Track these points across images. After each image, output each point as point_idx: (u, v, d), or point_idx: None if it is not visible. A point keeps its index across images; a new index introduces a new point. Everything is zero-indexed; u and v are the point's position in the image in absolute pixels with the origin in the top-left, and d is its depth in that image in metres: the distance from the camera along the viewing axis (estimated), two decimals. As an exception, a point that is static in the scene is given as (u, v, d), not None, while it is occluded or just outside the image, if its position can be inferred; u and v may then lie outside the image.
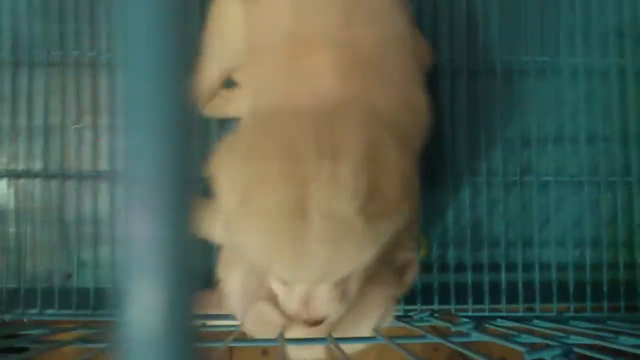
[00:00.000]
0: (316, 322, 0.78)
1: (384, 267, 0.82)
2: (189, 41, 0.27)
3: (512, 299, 1.11)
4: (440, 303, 1.10)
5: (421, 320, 0.97)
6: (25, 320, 1.05)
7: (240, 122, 1.02)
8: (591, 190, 1.17)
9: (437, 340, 0.75)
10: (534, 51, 1.18)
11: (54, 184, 1.12)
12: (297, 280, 0.77)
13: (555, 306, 1.11)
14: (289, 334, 0.78)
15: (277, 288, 0.79)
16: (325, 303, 0.77)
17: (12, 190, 1.11)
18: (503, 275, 1.12)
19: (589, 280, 1.13)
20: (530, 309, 1.11)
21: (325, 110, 0.81)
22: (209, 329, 0.91)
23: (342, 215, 0.71)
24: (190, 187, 0.27)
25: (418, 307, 1.09)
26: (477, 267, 1.12)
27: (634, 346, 0.71)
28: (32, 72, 1.12)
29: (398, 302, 0.91)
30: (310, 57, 0.86)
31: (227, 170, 0.79)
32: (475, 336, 0.78)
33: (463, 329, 0.85)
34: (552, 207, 1.15)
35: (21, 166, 1.11)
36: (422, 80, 0.92)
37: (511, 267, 1.13)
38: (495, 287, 1.11)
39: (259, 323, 0.80)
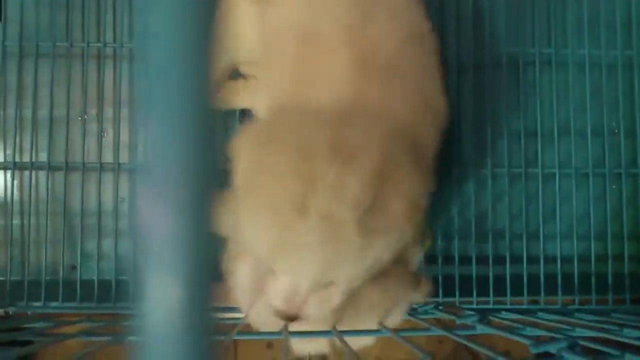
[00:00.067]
0: (293, 318, 0.78)
1: (399, 266, 0.82)
2: (212, 33, 0.27)
3: (517, 291, 1.11)
4: (445, 295, 1.09)
5: (425, 312, 0.97)
6: (29, 313, 1.05)
7: (254, 115, 1.02)
8: (597, 183, 1.16)
9: (441, 333, 0.75)
10: (540, 43, 1.18)
11: (58, 175, 1.12)
12: (286, 273, 0.77)
13: (560, 299, 1.11)
14: (293, 327, 0.77)
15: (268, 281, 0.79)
16: (306, 303, 0.77)
17: (16, 182, 1.11)
18: (507, 268, 1.12)
19: (594, 273, 1.12)
20: (535, 302, 1.11)
21: (342, 113, 0.80)
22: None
23: (339, 220, 0.71)
24: (209, 181, 0.26)
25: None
26: (482, 260, 1.12)
27: (639, 339, 0.71)
28: (37, 63, 1.12)
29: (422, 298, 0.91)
30: (325, 57, 0.85)
31: (238, 158, 0.79)
32: (480, 329, 0.78)
33: (468, 321, 0.85)
34: (557, 200, 1.15)
35: (26, 158, 1.11)
36: (441, 77, 0.91)
37: (516, 259, 1.13)
38: (499, 279, 1.11)
39: (264, 316, 0.80)
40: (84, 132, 1.11)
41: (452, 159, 1.13)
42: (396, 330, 0.77)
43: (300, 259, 0.73)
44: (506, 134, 1.15)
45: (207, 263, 0.26)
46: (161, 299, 0.26)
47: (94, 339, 0.76)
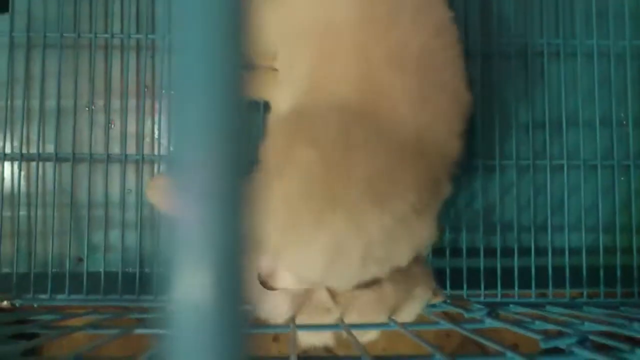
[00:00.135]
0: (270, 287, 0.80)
1: (417, 266, 0.82)
2: (244, 21, 0.26)
3: (525, 284, 1.10)
4: (452, 288, 1.09)
5: (433, 306, 0.96)
6: (35, 305, 1.05)
7: (272, 107, 1.02)
8: (605, 174, 1.16)
9: (450, 327, 0.75)
10: (549, 33, 1.17)
11: (65, 167, 1.11)
12: (289, 271, 0.78)
13: (568, 291, 1.10)
14: (299, 320, 0.78)
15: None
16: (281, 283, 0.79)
17: (23, 173, 1.11)
18: (515, 260, 1.11)
19: (603, 265, 1.12)
20: (543, 295, 1.11)
21: (367, 114, 0.80)
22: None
23: (348, 244, 0.72)
24: (240, 171, 0.26)
25: (430, 292, 1.09)
26: (490, 252, 1.11)
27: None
28: (45, 54, 1.11)
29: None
30: (350, 52, 0.84)
31: (269, 148, 0.79)
32: (489, 323, 0.78)
33: (477, 315, 0.85)
34: (565, 192, 1.14)
35: (33, 149, 1.11)
36: (463, 68, 0.90)
37: (524, 252, 1.12)
38: (507, 272, 1.10)
39: (272, 309, 0.81)
40: (91, 123, 1.11)
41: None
42: (404, 324, 0.77)
43: (302, 263, 0.74)
44: (514, 125, 1.15)
45: (238, 253, 0.26)
46: (191, 290, 0.25)
47: (100, 331, 0.76)
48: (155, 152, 1.12)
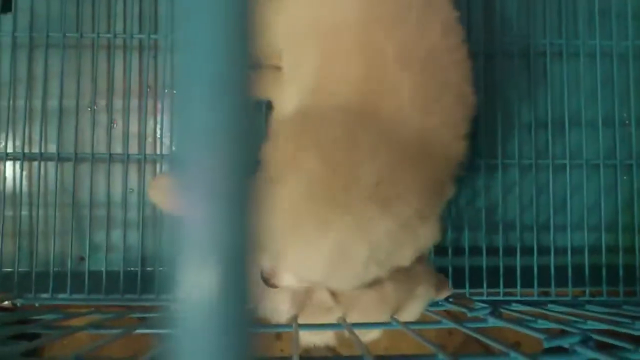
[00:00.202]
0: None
1: (419, 264, 0.82)
2: (251, 21, 0.26)
3: (527, 282, 1.10)
4: (455, 287, 1.08)
5: (436, 304, 0.96)
6: (37, 304, 1.05)
7: (275, 107, 1.02)
8: (608, 174, 1.15)
9: (452, 325, 0.74)
10: (551, 33, 1.17)
11: (67, 166, 1.11)
12: (290, 272, 0.78)
13: (570, 290, 1.10)
14: (300, 319, 0.78)
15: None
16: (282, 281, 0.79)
17: (25, 172, 1.11)
18: (518, 259, 1.11)
19: (605, 264, 1.12)
20: (546, 293, 1.10)
21: (372, 116, 0.80)
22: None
23: (352, 249, 0.72)
24: (246, 170, 0.26)
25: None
26: (492, 251, 1.11)
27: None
28: (47, 54, 1.11)
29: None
30: (356, 53, 0.84)
31: (274, 148, 0.79)
32: (492, 322, 0.78)
33: (479, 314, 0.85)
34: (568, 191, 1.14)
35: (35, 149, 1.11)
36: (469, 69, 0.89)
37: (526, 251, 1.12)
38: (510, 270, 1.10)
39: (274, 308, 0.81)
40: (93, 123, 1.11)
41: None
42: (406, 323, 0.77)
43: (304, 264, 0.74)
44: (517, 124, 1.14)
45: (243, 252, 0.26)
46: (196, 289, 0.25)
47: (102, 331, 0.75)
48: (158, 152, 1.12)
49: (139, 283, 1.07)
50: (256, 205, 0.26)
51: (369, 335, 0.83)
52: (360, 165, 0.74)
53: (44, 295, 1.06)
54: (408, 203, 0.74)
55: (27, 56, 1.12)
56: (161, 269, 1.08)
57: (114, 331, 0.73)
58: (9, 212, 1.10)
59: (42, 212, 1.10)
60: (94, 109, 1.11)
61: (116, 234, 1.10)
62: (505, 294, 1.10)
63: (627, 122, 1.17)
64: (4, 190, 1.11)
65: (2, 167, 1.11)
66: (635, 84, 1.16)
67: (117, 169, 1.11)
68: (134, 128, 1.11)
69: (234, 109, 0.26)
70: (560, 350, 0.63)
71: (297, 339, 0.69)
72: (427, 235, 0.78)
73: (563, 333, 0.65)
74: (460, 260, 1.11)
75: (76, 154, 1.10)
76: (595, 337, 0.63)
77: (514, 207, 1.14)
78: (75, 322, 0.85)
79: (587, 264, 1.11)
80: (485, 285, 1.10)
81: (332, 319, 0.80)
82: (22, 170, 1.10)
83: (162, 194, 0.97)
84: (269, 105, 1.05)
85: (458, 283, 1.09)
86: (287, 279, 0.78)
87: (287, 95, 0.95)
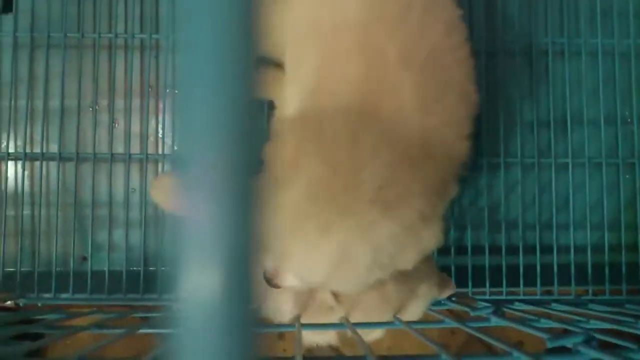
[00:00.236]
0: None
1: (422, 263, 0.82)
2: (254, 20, 0.26)
3: (530, 281, 1.10)
4: (457, 286, 1.08)
5: (439, 303, 0.96)
6: (39, 304, 1.05)
7: (277, 107, 1.01)
8: (610, 172, 1.15)
9: (455, 325, 0.74)
10: (553, 32, 1.17)
11: (69, 166, 1.11)
12: (291, 273, 0.78)
13: (573, 289, 1.10)
14: (303, 319, 0.78)
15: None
16: (283, 282, 0.79)
17: (27, 172, 1.11)
18: (521, 258, 1.11)
19: (608, 263, 1.12)
20: (548, 292, 1.10)
21: (374, 118, 0.80)
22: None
23: (354, 253, 0.72)
24: (249, 170, 0.26)
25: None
26: (495, 250, 1.11)
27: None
28: (49, 54, 1.11)
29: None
30: (358, 53, 0.83)
31: (280, 148, 0.79)
32: (495, 321, 0.78)
33: (482, 313, 0.85)
34: (570, 189, 1.14)
35: (37, 149, 1.11)
36: (472, 68, 0.89)
37: (529, 250, 1.12)
38: (512, 269, 1.10)
39: (277, 308, 0.81)
40: (94, 122, 1.11)
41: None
42: (409, 322, 0.77)
43: (307, 267, 0.74)
44: (519, 123, 1.14)
45: (247, 252, 0.26)
46: (199, 289, 0.25)
47: (105, 331, 0.75)
48: (160, 152, 1.12)
49: (142, 283, 1.07)
50: (259, 205, 0.26)
51: (371, 335, 0.83)
52: (362, 166, 0.73)
53: (47, 295, 1.06)
54: (411, 205, 0.73)
55: (28, 56, 1.12)
56: (164, 268, 1.08)
57: (117, 331, 0.73)
58: (11, 212, 1.10)
59: (44, 212, 1.10)
60: (96, 109, 1.11)
61: (118, 234, 1.10)
62: (507, 293, 1.10)
63: (629, 120, 1.17)
64: (6, 190, 1.11)
65: (4, 167, 1.11)
66: (637, 82, 1.16)
67: (119, 169, 1.11)
68: (135, 128, 1.11)
69: (236, 109, 0.26)
70: (563, 350, 0.63)
71: (299, 338, 0.69)
72: (430, 238, 0.77)
73: (566, 332, 0.65)
74: (462, 260, 1.11)
75: (78, 153, 1.10)
76: (599, 336, 0.63)
77: (516, 206, 1.14)
78: (77, 322, 0.85)
79: (589, 263, 1.11)
80: (487, 284, 1.10)
81: (334, 318, 0.80)
82: (24, 170, 1.11)
83: (164, 193, 0.97)
84: (271, 105, 1.05)
85: (461, 282, 1.09)
86: (290, 280, 0.78)
87: (289, 95, 0.94)
